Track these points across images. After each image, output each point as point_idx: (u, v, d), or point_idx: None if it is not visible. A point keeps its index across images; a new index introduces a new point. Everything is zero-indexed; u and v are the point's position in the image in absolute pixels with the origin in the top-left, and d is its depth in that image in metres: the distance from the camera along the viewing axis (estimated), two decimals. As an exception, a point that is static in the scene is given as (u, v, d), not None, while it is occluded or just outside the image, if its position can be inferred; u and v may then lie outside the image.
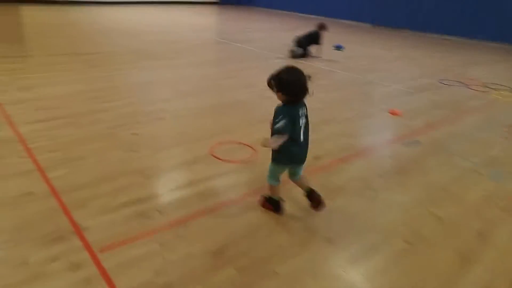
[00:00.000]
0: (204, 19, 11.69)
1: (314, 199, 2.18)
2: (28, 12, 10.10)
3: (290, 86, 1.89)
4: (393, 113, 4.07)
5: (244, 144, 3.04)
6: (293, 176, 2.20)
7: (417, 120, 3.94)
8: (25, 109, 3.40)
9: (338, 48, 7.27)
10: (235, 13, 13.58)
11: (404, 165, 2.95)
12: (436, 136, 3.56)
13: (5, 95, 3.70)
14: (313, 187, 2.20)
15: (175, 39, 7.50)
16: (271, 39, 8.33)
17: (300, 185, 2.22)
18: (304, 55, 6.44)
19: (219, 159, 2.77)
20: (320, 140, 3.25)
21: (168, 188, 2.37)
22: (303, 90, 1.90)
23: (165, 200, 2.24)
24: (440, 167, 2.95)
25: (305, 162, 2.12)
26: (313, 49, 6.55)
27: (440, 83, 5.46)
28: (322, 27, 6.61)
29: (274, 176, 2.16)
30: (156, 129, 3.24)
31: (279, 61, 6.13)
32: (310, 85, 1.90)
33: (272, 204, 2.22)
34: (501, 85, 5.51)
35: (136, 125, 3.26)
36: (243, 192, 2.39)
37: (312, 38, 6.50)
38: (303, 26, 10.93)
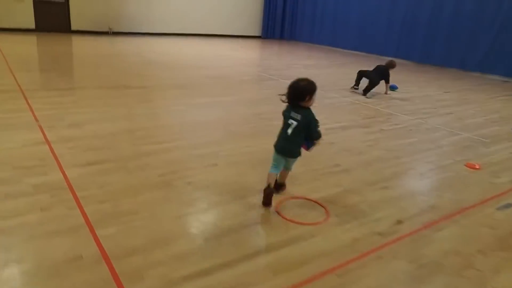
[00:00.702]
0: (249, 53, 11.73)
1: (279, 188, 2.71)
2: (78, 42, 10.52)
3: (287, 90, 2.45)
4: (471, 167, 3.61)
5: (314, 202, 2.69)
6: (284, 168, 2.67)
7: (502, 176, 3.46)
8: (74, 149, 3.24)
9: (392, 88, 6.90)
10: (278, 48, 13.61)
11: (505, 237, 2.48)
12: (532, 198, 3.07)
13: (54, 132, 3.58)
14: (285, 183, 2.76)
15: (222, 74, 7.43)
16: (320, 75, 8.11)
17: (280, 174, 2.69)
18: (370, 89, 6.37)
19: (287, 219, 2.43)
20: (397, 200, 2.85)
21: (233, 258, 2.03)
22: (291, 98, 2.44)
23: (232, 274, 1.89)
24: (551, 242, 2.46)
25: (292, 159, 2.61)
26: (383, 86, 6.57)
27: (515, 132, 4.94)
28: (391, 65, 6.54)
29: (272, 161, 2.61)
30: (210, 178, 2.96)
31: (340, 101, 5.84)
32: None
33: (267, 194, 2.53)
34: None
35: (188, 172, 3.00)
36: (320, 267, 2.01)
37: (383, 74, 6.44)
38: (350, 62, 10.74)
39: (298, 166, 3.37)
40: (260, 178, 2.95)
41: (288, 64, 9.83)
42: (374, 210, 2.66)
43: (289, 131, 2.46)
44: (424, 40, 11.27)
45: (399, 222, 2.53)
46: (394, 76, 7.08)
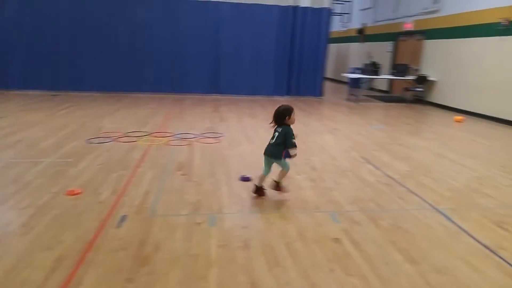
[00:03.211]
0: None
1: (276, 188, 3.59)
2: None
3: (273, 114, 3.51)
4: (72, 194, 3.45)
5: None
6: (279, 168, 3.57)
7: (103, 191, 3.56)
8: None
9: None
10: None
11: (137, 252, 2.57)
12: (151, 205, 3.37)
13: None
14: (281, 183, 3.58)
15: None
16: None
17: (278, 174, 3.57)
18: None
19: None
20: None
21: None
22: (275, 119, 3.48)
23: None
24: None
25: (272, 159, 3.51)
26: None
27: (90, 143, 5.23)
28: None
29: (263, 165, 3.59)
30: None
31: None
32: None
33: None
34: (138, 131, 6.02)
35: None
36: None
37: None
38: None
39: None
40: None
41: None
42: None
43: (273, 139, 3.47)
44: None
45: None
46: None
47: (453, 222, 3.24)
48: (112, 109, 8.12)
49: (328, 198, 3.67)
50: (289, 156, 3.44)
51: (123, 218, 3.05)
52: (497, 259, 2.67)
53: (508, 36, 8.12)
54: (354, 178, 4.28)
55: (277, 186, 3.56)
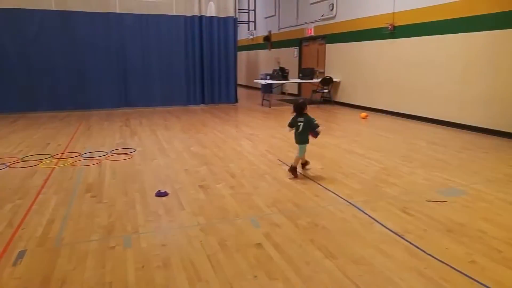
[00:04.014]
0: None
1: (305, 165, 4.75)
2: None
3: (293, 107, 4.52)
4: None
5: None
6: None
7: (-4, 226, 3.13)
8: None
9: None
10: None
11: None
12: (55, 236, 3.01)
13: None
14: (307, 161, 4.77)
15: None
16: None
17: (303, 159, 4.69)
18: None
19: None
20: None
21: None
22: (297, 110, 4.45)
23: None
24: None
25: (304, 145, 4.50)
26: None
27: (-22, 172, 4.59)
28: None
29: (298, 150, 4.52)
30: None
31: None
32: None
33: (293, 170, 4.49)
34: (39, 154, 5.48)
35: None
36: None
37: None
38: None
39: None
40: None
41: None
42: None
43: (300, 129, 4.42)
44: None
45: None
46: None
47: (365, 213, 3.43)
48: (4, 132, 7.27)
49: (248, 204, 3.66)
50: (318, 134, 4.51)
51: (21, 254, 2.70)
52: (404, 242, 2.89)
53: (394, 39, 9.03)
54: (272, 180, 4.34)
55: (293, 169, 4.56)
